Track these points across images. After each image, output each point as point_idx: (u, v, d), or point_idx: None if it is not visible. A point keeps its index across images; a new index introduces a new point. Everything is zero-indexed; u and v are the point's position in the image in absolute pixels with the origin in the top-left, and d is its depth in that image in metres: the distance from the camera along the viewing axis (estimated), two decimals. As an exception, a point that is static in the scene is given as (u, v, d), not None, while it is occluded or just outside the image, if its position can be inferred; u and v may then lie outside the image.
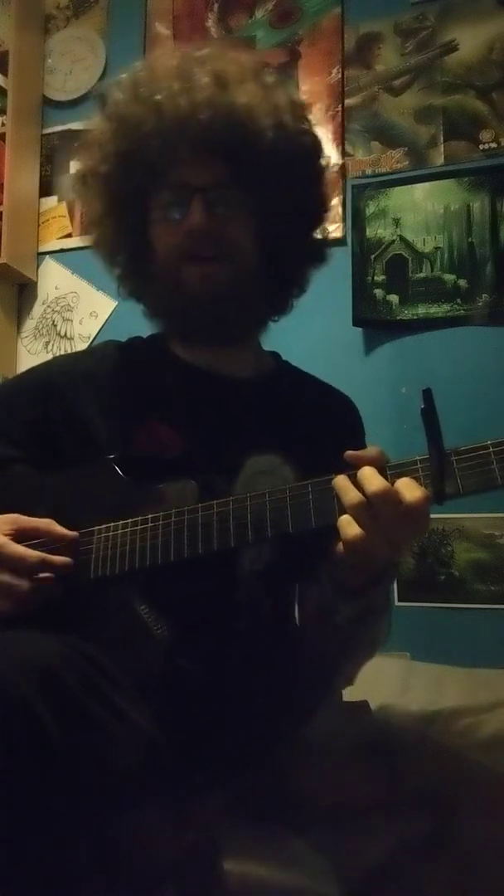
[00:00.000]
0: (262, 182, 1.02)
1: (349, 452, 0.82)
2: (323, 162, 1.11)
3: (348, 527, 0.79)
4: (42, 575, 0.90)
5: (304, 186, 1.07)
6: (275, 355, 1.19)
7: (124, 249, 1.11)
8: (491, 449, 0.76)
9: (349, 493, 0.79)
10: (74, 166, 1.12)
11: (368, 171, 2.25)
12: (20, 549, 0.89)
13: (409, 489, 0.77)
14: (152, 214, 1.05)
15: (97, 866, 0.78)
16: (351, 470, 0.81)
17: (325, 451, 1.01)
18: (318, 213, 1.13)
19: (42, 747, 0.70)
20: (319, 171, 1.10)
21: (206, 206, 1.00)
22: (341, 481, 0.80)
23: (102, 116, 1.07)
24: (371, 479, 0.78)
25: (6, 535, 0.91)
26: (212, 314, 1.03)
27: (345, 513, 0.80)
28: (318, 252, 1.14)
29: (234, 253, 1.02)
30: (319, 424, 1.09)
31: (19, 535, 0.92)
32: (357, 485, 0.79)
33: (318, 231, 1.14)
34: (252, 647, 0.97)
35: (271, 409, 1.07)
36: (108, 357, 1.14)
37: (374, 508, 0.77)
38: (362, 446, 1.14)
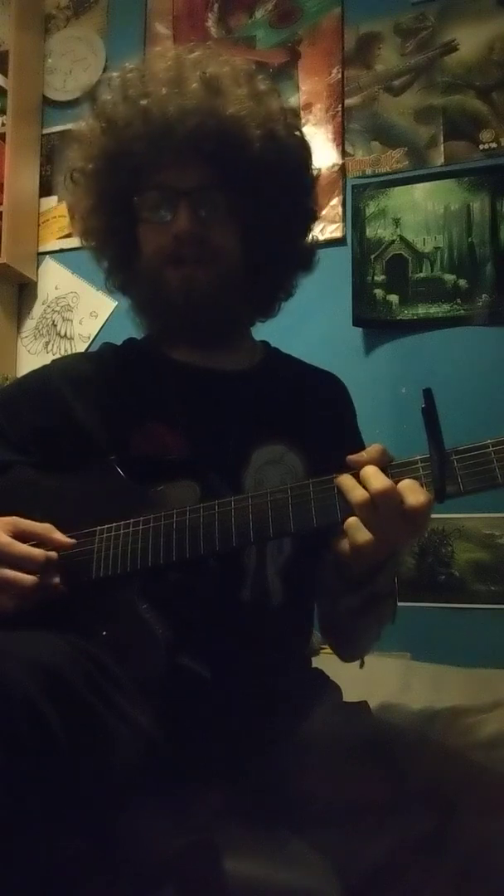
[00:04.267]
0: (249, 188, 1.02)
1: (350, 456, 0.82)
2: (314, 171, 1.11)
3: (357, 531, 0.79)
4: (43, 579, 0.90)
5: (291, 195, 1.07)
6: (264, 343, 1.20)
7: (111, 246, 1.12)
8: (491, 448, 0.76)
9: (356, 492, 0.79)
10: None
11: (368, 171, 2.26)
12: (26, 548, 0.90)
13: (413, 492, 0.77)
14: (139, 214, 1.05)
15: (98, 865, 0.78)
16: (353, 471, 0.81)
17: (322, 432, 1.03)
18: (307, 221, 1.13)
19: (46, 746, 0.70)
20: (309, 181, 1.11)
21: (191, 209, 1.00)
22: (347, 480, 0.80)
23: (92, 114, 1.07)
24: (374, 477, 0.78)
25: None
26: (191, 316, 1.03)
27: (351, 512, 0.80)
28: (306, 259, 1.14)
29: (218, 256, 1.02)
30: (314, 406, 1.11)
31: (18, 537, 0.92)
32: (361, 483, 0.79)
33: (307, 238, 1.14)
34: (256, 645, 0.98)
35: (269, 398, 1.08)
36: (105, 360, 1.15)
37: (378, 507, 0.77)
38: (353, 420, 1.17)
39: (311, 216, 1.14)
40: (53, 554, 0.91)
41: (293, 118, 1.09)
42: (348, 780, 0.86)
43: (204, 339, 1.08)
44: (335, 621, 1.02)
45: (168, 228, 1.01)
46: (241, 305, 1.09)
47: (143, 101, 1.00)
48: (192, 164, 1.00)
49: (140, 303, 1.11)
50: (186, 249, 1.01)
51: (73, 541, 0.93)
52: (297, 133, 1.09)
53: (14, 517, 0.93)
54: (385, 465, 0.80)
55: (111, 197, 1.07)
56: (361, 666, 1.01)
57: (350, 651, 1.06)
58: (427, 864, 0.77)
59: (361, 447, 1.04)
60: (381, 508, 0.77)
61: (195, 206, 1.00)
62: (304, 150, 1.09)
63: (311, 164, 1.11)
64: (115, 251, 1.12)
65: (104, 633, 0.88)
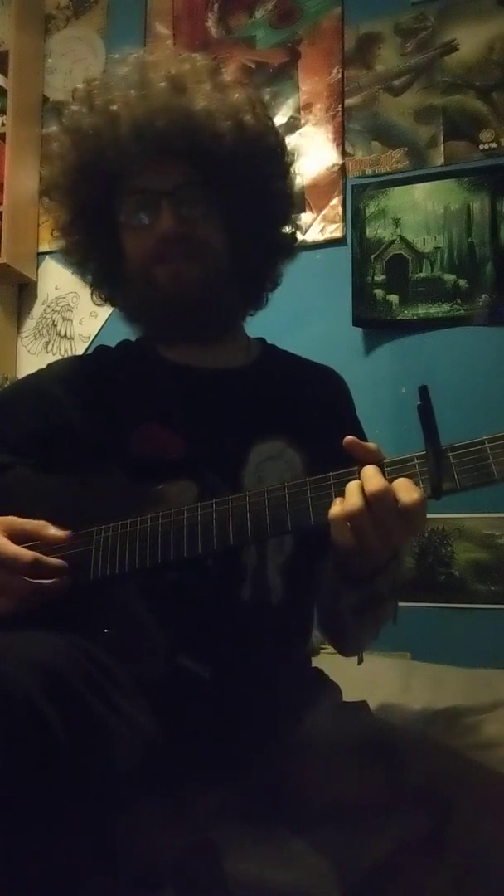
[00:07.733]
0: (226, 181, 1.03)
1: (349, 438, 0.81)
2: (287, 158, 1.11)
3: (342, 528, 0.79)
4: (37, 581, 0.90)
5: (268, 184, 1.08)
6: (260, 340, 1.21)
7: (95, 257, 1.13)
8: (486, 444, 0.76)
9: (353, 498, 0.78)
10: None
11: (368, 171, 2.26)
12: (15, 549, 0.89)
13: (407, 490, 0.77)
14: (120, 220, 1.06)
15: (98, 866, 0.78)
16: (349, 456, 0.81)
17: (320, 426, 1.03)
18: (285, 209, 1.13)
19: (46, 746, 0.70)
20: (284, 168, 1.11)
21: (173, 209, 1.01)
22: (353, 486, 0.79)
23: (60, 128, 1.08)
24: (372, 478, 0.78)
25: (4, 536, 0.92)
26: (185, 312, 1.04)
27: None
28: (287, 247, 1.15)
29: (204, 252, 1.04)
30: (311, 401, 1.11)
31: (13, 537, 0.92)
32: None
33: (287, 226, 1.15)
34: (256, 645, 0.98)
35: (266, 394, 1.08)
36: (101, 362, 1.15)
37: (372, 508, 0.77)
38: (352, 414, 1.17)
39: (290, 202, 1.14)
40: (58, 561, 0.90)
41: (261, 107, 1.09)
42: (348, 780, 0.86)
43: (198, 334, 1.08)
44: (333, 617, 1.02)
45: (151, 230, 1.02)
46: (232, 298, 1.09)
47: (112, 108, 1.01)
48: (168, 164, 1.02)
49: (130, 306, 1.12)
50: (172, 248, 1.02)
51: (66, 533, 0.93)
52: (268, 121, 1.09)
53: (10, 517, 0.93)
54: (380, 463, 0.80)
55: (90, 208, 1.08)
56: (360, 662, 1.01)
57: (347, 647, 1.07)
58: (427, 864, 0.77)
59: (364, 439, 1.03)
60: (376, 509, 0.77)
61: (176, 205, 1.01)
62: (275, 136, 1.10)
63: (284, 150, 1.11)
64: (99, 261, 1.13)
65: (104, 633, 0.88)
